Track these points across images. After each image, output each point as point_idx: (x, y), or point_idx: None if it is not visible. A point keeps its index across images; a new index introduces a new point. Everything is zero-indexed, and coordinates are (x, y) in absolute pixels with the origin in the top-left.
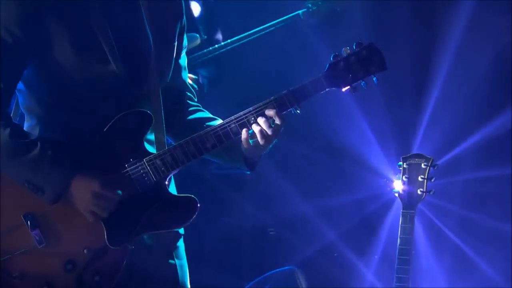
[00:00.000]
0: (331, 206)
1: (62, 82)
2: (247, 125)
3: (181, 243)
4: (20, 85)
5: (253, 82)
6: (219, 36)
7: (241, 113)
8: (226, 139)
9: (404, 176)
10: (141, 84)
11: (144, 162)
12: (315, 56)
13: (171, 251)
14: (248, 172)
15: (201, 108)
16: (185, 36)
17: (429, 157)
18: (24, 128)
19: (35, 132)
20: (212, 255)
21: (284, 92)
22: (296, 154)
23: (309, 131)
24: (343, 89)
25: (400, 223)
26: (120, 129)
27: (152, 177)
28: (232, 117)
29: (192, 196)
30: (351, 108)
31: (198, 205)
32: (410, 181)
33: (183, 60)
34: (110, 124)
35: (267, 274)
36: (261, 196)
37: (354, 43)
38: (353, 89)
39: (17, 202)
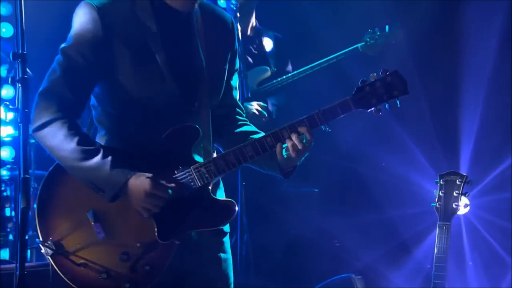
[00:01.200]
0: (391, 218)
1: (125, 98)
2: (282, 139)
3: (227, 240)
4: (93, 101)
5: (317, 108)
6: (288, 68)
7: (277, 129)
8: (262, 151)
9: (440, 192)
10: (192, 101)
11: (191, 169)
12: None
13: (217, 246)
14: (316, 190)
15: (248, 123)
16: (237, 60)
17: (463, 174)
18: (96, 138)
19: (104, 141)
20: (280, 263)
21: (315, 111)
22: (359, 174)
23: (368, 153)
24: (368, 110)
25: (437, 234)
26: (172, 140)
27: (197, 182)
28: (269, 132)
29: (232, 200)
30: (401, 136)
31: (236, 208)
32: (446, 196)
33: (235, 81)
34: (164, 135)
35: (327, 280)
36: (326, 211)
37: (381, 70)
38: (378, 110)
39: (83, 200)
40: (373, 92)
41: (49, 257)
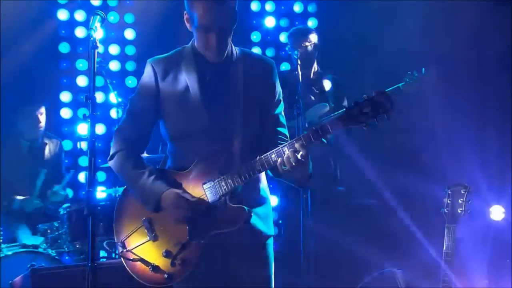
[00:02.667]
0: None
1: (174, 132)
2: (282, 154)
3: (270, 242)
4: (164, 136)
5: (367, 136)
6: (345, 103)
7: (280, 146)
8: (268, 165)
9: (448, 199)
10: (225, 130)
11: (215, 182)
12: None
13: (259, 246)
14: (375, 201)
15: None
16: (276, 93)
17: (467, 185)
18: (167, 162)
19: (167, 166)
20: (339, 262)
21: (309, 130)
22: (408, 189)
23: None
24: (357, 126)
25: (445, 234)
26: (202, 161)
27: (219, 192)
28: (274, 149)
29: (243, 206)
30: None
31: (247, 211)
32: (453, 203)
33: (278, 111)
34: (198, 158)
35: (372, 275)
36: (379, 218)
37: (373, 91)
38: (366, 125)
39: (140, 211)
40: (360, 111)
41: (120, 254)
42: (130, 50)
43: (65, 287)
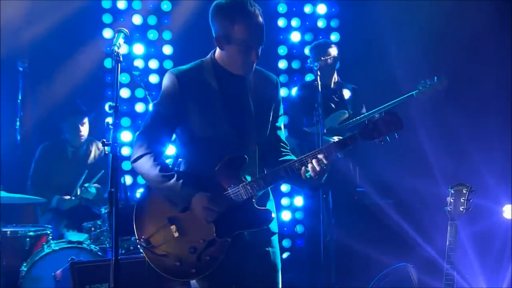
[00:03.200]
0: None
1: (194, 137)
2: (305, 163)
3: (275, 238)
4: (177, 139)
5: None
6: (363, 110)
7: (303, 156)
8: (292, 172)
9: (451, 198)
10: (242, 137)
11: (240, 187)
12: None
13: (267, 242)
14: (391, 201)
15: (289, 153)
16: (280, 107)
17: (468, 185)
18: (180, 163)
19: (182, 168)
20: (359, 259)
21: (330, 143)
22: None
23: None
24: (372, 141)
25: (448, 230)
26: (226, 165)
27: (244, 196)
28: (297, 159)
29: (269, 209)
30: None
31: (273, 215)
32: (455, 201)
33: (280, 123)
34: (220, 163)
35: (387, 270)
36: (394, 217)
37: (383, 112)
38: (380, 141)
39: (164, 210)
40: (374, 128)
41: (142, 250)
42: (168, 64)
43: (99, 278)
